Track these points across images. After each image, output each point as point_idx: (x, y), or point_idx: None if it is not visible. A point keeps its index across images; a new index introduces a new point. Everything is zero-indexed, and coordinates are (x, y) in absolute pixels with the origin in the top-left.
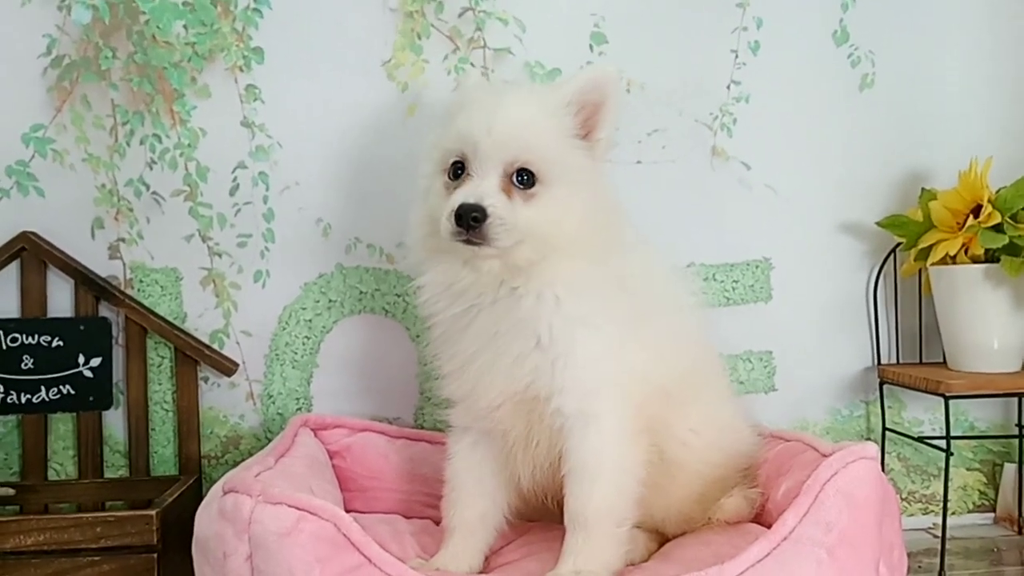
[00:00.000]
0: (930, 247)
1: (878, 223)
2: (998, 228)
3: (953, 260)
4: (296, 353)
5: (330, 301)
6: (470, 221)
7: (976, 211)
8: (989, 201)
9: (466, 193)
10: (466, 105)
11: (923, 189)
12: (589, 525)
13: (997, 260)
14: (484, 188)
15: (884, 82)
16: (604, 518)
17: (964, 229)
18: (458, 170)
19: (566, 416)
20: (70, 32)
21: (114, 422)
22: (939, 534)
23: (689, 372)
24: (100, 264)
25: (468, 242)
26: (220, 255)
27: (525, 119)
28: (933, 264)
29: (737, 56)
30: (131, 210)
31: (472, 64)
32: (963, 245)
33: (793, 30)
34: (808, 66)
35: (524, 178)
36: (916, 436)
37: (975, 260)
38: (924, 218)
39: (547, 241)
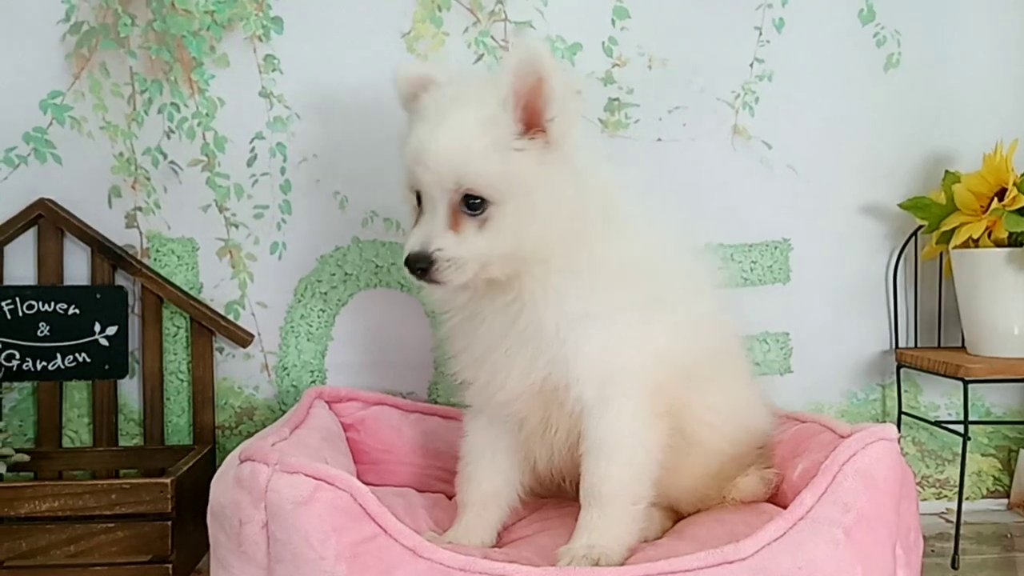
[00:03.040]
0: (952, 230)
1: (900, 205)
2: (1023, 212)
3: (976, 243)
4: (311, 326)
5: (346, 274)
6: (418, 272)
7: (1000, 194)
8: (1014, 184)
9: (415, 239)
10: (414, 124)
11: (946, 171)
12: (605, 502)
13: (1021, 244)
14: (433, 228)
15: (909, 63)
16: (620, 495)
17: (988, 212)
18: (419, 197)
19: (585, 401)
20: None
21: (129, 391)
22: (952, 519)
23: (710, 352)
24: (117, 233)
25: (431, 281)
26: (237, 226)
27: (457, 145)
28: (955, 247)
29: (761, 33)
30: (148, 179)
31: (492, 37)
32: (986, 228)
33: (818, 8)
34: (833, 45)
35: (474, 203)
36: (933, 420)
37: (998, 244)
38: (947, 201)
39: (514, 258)
